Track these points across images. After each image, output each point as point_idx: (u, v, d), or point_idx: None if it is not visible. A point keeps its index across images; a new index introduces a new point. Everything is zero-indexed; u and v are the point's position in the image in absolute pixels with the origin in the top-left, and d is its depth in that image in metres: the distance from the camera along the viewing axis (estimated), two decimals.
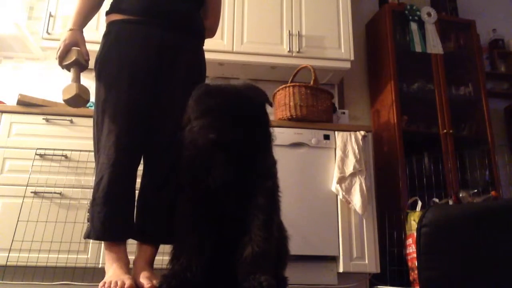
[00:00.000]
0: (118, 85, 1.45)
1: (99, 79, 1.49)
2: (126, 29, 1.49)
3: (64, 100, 1.49)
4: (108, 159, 1.38)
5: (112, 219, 1.37)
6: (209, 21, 1.73)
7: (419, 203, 2.53)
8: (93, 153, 1.51)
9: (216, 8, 1.76)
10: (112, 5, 1.56)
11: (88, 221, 1.43)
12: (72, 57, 1.50)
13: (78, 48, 1.52)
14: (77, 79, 1.51)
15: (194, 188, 1.27)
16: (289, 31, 2.93)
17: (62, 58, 1.51)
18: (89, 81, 3.01)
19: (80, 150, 2.29)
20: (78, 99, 1.48)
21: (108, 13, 1.56)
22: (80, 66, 1.53)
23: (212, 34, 1.78)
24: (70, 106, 1.52)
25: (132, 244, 1.47)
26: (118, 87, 1.44)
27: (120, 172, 1.39)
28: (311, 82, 2.61)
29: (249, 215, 1.22)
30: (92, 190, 1.44)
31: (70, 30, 1.52)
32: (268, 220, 1.21)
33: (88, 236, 1.40)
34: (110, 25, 1.53)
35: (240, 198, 1.24)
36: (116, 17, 1.52)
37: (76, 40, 1.51)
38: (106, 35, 1.53)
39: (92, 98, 1.54)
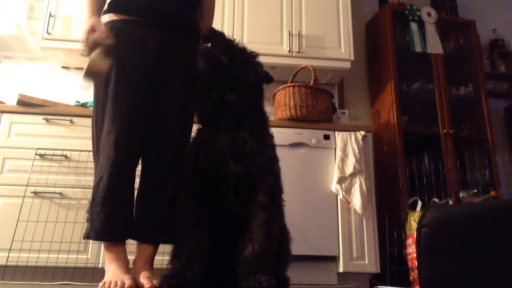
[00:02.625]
0: (117, 85, 1.44)
1: None
2: (125, 29, 1.49)
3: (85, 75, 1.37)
4: (108, 159, 1.38)
5: (111, 220, 1.37)
6: (203, 22, 1.73)
7: (419, 203, 2.52)
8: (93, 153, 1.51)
9: (211, 9, 1.78)
10: (109, 5, 1.56)
11: (87, 222, 1.43)
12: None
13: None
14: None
15: (196, 181, 1.27)
16: (289, 31, 2.93)
17: (89, 41, 1.39)
18: None
19: (80, 150, 2.29)
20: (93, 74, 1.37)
21: (105, 12, 1.56)
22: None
23: None
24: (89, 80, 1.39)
25: (132, 244, 1.47)
26: (117, 88, 1.44)
27: (120, 172, 1.39)
28: (311, 82, 2.61)
29: (250, 213, 1.22)
30: (91, 190, 1.44)
31: (89, 17, 1.46)
32: (269, 218, 1.21)
33: (87, 236, 1.40)
34: (107, 25, 1.51)
35: (242, 193, 1.24)
36: (114, 17, 1.51)
37: (97, 22, 1.44)
38: None
39: (91, 98, 1.54)
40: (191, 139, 1.44)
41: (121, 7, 1.51)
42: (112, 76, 1.45)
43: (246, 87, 1.33)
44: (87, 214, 1.43)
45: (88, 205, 1.42)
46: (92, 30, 1.40)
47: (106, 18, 1.54)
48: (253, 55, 1.42)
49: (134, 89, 1.45)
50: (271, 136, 1.38)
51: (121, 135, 1.40)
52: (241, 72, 1.33)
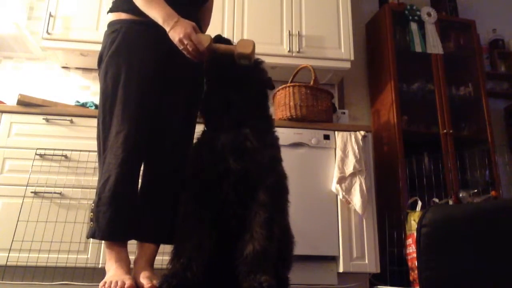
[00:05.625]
0: (127, 85, 1.44)
1: (105, 78, 1.47)
2: (135, 29, 1.48)
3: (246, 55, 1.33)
4: (116, 159, 1.38)
5: (118, 219, 1.37)
6: (203, 24, 1.74)
7: (419, 203, 2.52)
8: (93, 153, 1.51)
9: (210, 12, 1.80)
10: (118, 4, 1.54)
11: (91, 221, 1.42)
12: (207, 40, 1.36)
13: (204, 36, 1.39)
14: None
15: (198, 181, 1.27)
16: (289, 31, 2.93)
17: (199, 43, 1.35)
18: (89, 81, 3.02)
19: (80, 150, 2.29)
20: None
21: (112, 11, 1.54)
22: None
23: None
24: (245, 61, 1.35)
25: (132, 244, 1.47)
26: (127, 88, 1.44)
27: (127, 173, 1.39)
28: (311, 82, 2.61)
29: (251, 213, 1.22)
30: (92, 190, 1.44)
31: (176, 22, 1.36)
32: (269, 218, 1.21)
33: (92, 235, 1.39)
34: (116, 24, 1.50)
35: (243, 191, 1.24)
36: (122, 16, 1.50)
37: (191, 24, 1.38)
38: (112, 34, 1.49)
39: (94, 99, 1.54)
40: (195, 140, 1.44)
41: (130, 7, 1.48)
42: (122, 77, 1.44)
43: (250, 89, 1.35)
44: (92, 214, 1.42)
45: (93, 204, 1.41)
46: (194, 33, 1.35)
47: (113, 17, 1.53)
48: (258, 61, 1.45)
49: (143, 90, 1.45)
50: (275, 137, 1.39)
51: (130, 136, 1.40)
52: (246, 74, 1.35)
